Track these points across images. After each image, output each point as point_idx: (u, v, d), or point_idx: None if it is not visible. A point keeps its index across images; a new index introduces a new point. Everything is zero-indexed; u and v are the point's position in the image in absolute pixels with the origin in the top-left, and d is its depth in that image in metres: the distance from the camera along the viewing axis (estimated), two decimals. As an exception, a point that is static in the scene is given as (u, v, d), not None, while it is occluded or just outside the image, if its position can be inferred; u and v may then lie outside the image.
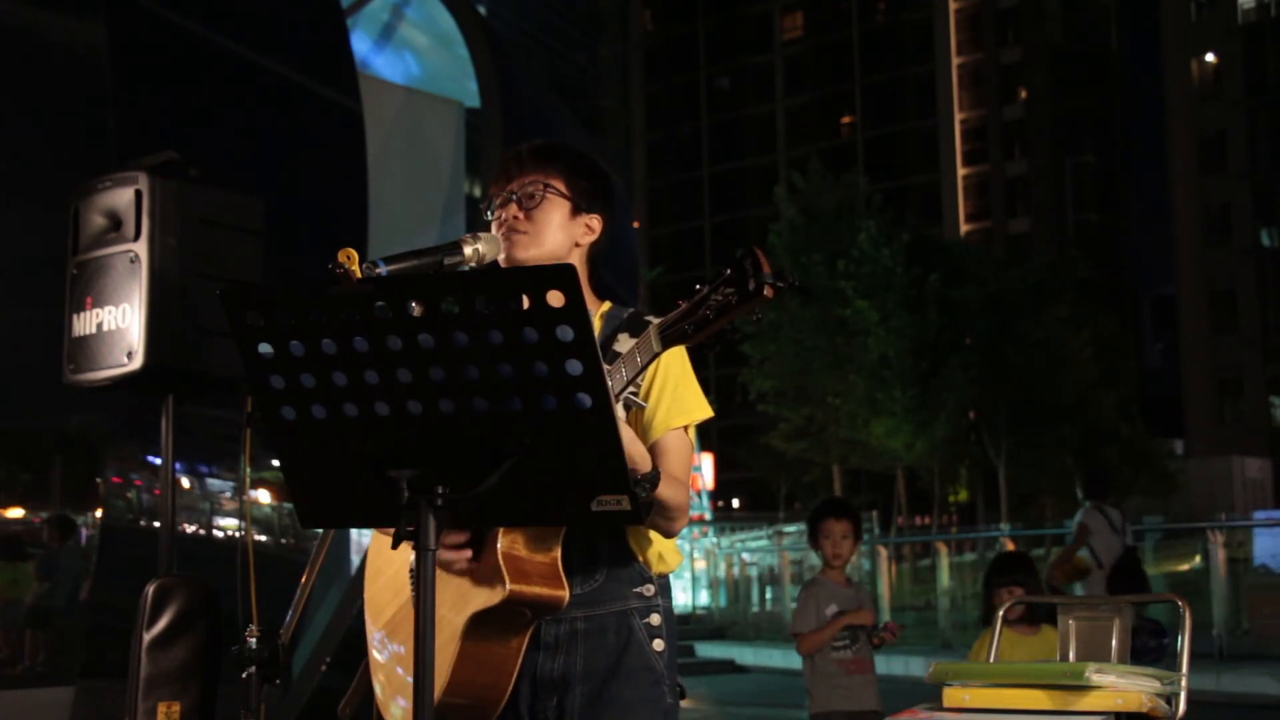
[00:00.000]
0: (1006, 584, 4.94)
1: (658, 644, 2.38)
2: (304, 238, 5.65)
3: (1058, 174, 60.95)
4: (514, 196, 2.42)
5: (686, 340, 2.02)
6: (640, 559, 2.38)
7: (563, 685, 2.34)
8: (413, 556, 2.31)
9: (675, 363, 2.37)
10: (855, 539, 5.24)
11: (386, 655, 2.41)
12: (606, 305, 2.46)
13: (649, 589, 2.39)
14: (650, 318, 2.23)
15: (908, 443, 34.80)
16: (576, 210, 2.44)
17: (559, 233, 2.42)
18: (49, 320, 3.88)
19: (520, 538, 2.18)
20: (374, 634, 2.46)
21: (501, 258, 2.38)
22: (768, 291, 1.92)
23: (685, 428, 2.38)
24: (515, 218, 2.40)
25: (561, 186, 2.43)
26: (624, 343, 2.20)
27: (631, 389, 2.15)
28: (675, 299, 2.04)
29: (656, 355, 2.08)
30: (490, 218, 2.44)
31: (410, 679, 2.27)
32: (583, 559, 2.33)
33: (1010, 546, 15.14)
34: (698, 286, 2.00)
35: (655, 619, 2.39)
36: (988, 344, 35.57)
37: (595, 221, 2.48)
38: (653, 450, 2.32)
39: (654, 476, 2.16)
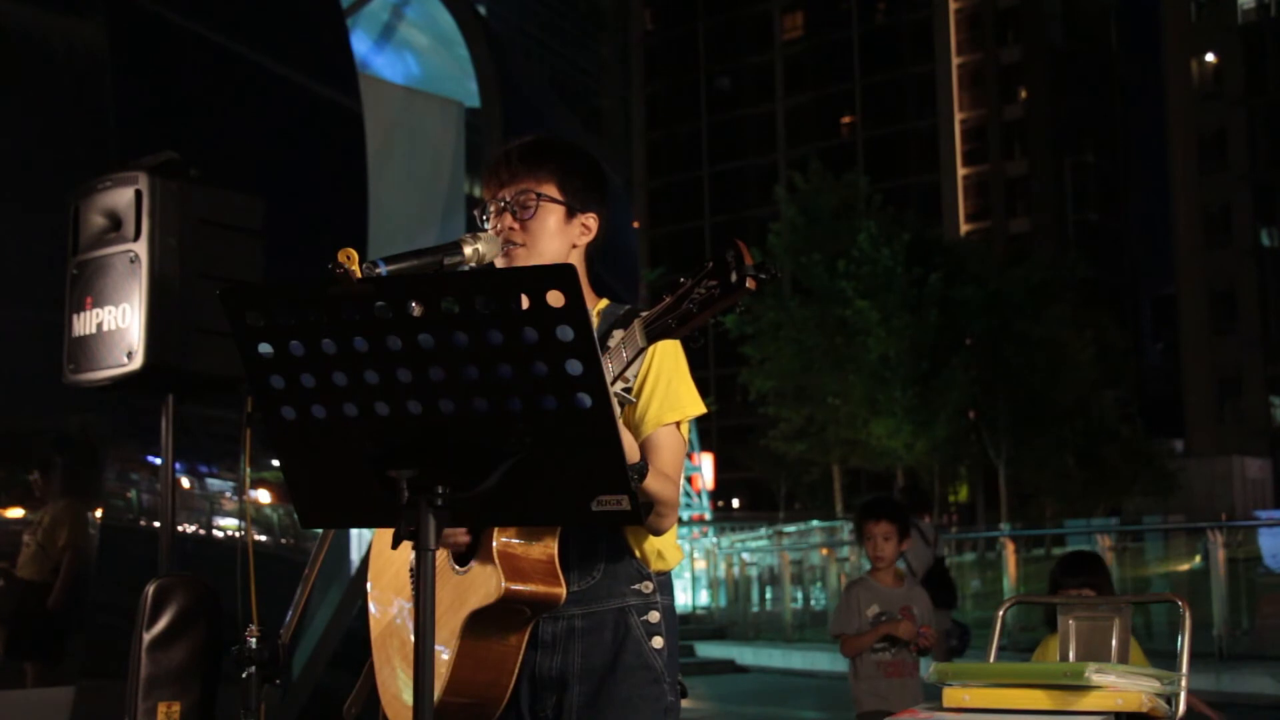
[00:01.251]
0: (1077, 585, 4.34)
1: (657, 641, 2.37)
2: (304, 238, 5.65)
3: (1058, 174, 60.96)
4: (506, 205, 2.40)
5: (670, 334, 2.02)
6: (638, 556, 2.38)
7: (561, 683, 2.34)
8: (413, 556, 2.32)
9: (668, 358, 2.36)
10: (899, 538, 5.15)
11: (389, 653, 2.41)
12: (604, 302, 2.46)
13: (647, 586, 2.38)
14: (646, 311, 2.23)
15: (908, 443, 34.79)
16: (571, 213, 2.43)
17: (556, 239, 2.41)
18: (49, 320, 3.88)
19: (516, 536, 2.18)
20: (377, 634, 2.46)
21: (500, 264, 2.38)
22: (749, 284, 1.92)
23: (678, 424, 2.37)
24: (511, 229, 2.39)
25: (554, 191, 2.41)
26: (617, 338, 2.20)
27: (622, 384, 2.15)
28: (660, 293, 2.04)
29: (642, 350, 2.07)
30: (485, 226, 2.42)
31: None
32: (580, 556, 2.32)
33: (1010, 546, 15.11)
34: (681, 280, 2.00)
35: (654, 616, 2.38)
36: (988, 344, 35.57)
37: (591, 220, 2.46)
38: (645, 446, 2.31)
39: (641, 468, 2.15)
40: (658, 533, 2.35)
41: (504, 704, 2.26)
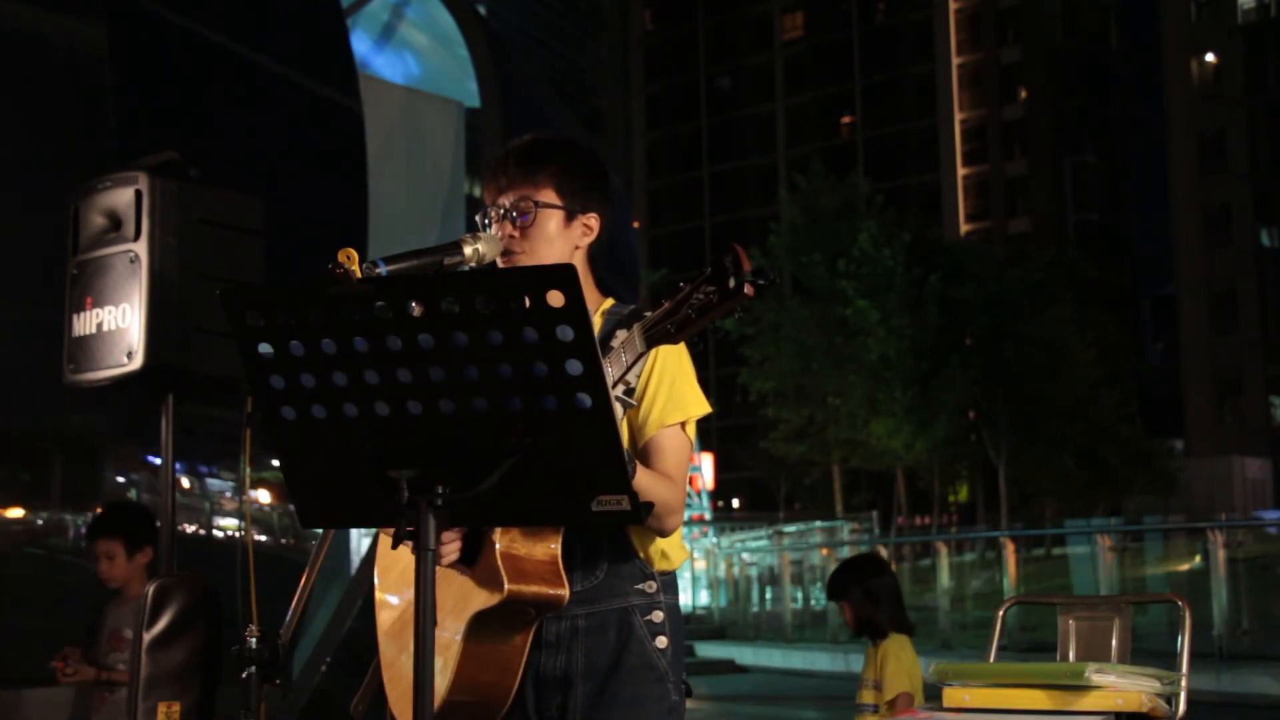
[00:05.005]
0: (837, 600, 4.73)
1: (660, 641, 2.36)
2: (304, 238, 5.64)
3: (1058, 174, 60.93)
4: (505, 213, 2.39)
5: (670, 339, 2.02)
6: (642, 555, 2.37)
7: (565, 683, 2.34)
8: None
9: (671, 359, 2.35)
10: (130, 555, 4.32)
11: (394, 653, 2.41)
12: (609, 302, 2.45)
13: (651, 585, 2.38)
14: (649, 313, 2.23)
15: (908, 443, 34.79)
16: (571, 216, 2.42)
17: (556, 244, 2.40)
18: (49, 320, 3.88)
19: (519, 536, 2.18)
20: (383, 632, 2.46)
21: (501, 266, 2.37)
22: (748, 289, 1.92)
23: (683, 425, 2.35)
24: (510, 237, 2.38)
25: (552, 196, 2.39)
26: (620, 340, 2.20)
27: (623, 387, 2.15)
28: (660, 298, 2.04)
29: (642, 355, 2.07)
30: (486, 228, 2.40)
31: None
32: (583, 556, 2.32)
33: (1010, 546, 15.13)
34: (680, 284, 2.00)
35: (658, 616, 2.37)
36: (988, 344, 35.56)
37: (593, 220, 2.45)
38: (648, 448, 2.31)
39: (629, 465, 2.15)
40: (662, 534, 2.35)
41: (508, 703, 2.26)
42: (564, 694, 2.34)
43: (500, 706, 2.26)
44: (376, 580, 2.50)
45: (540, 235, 2.39)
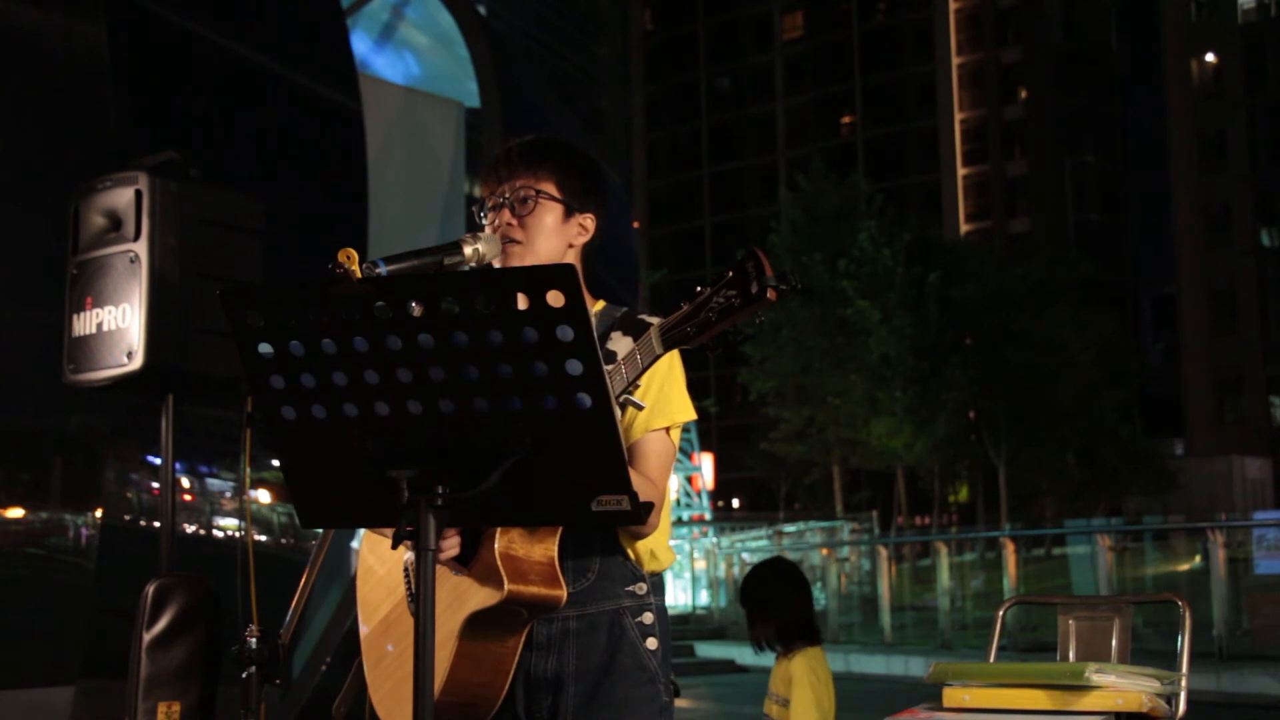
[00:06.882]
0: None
1: (651, 642, 2.37)
2: (304, 238, 5.64)
3: (1058, 174, 60.94)
4: (505, 201, 2.40)
5: (688, 342, 2.02)
6: (632, 557, 2.38)
7: (556, 685, 2.34)
8: (407, 556, 2.32)
9: (662, 363, 2.34)
10: None
11: (380, 654, 2.41)
12: (601, 304, 2.45)
13: (641, 587, 2.39)
14: (644, 317, 2.23)
15: (908, 443, 34.81)
16: (569, 212, 2.43)
17: (553, 238, 2.41)
18: (49, 320, 3.88)
19: (517, 537, 2.18)
20: (367, 633, 2.46)
21: (497, 264, 2.38)
22: (771, 295, 1.92)
23: (667, 429, 2.36)
24: (509, 225, 2.39)
25: (553, 189, 2.41)
26: (616, 341, 2.19)
27: (634, 390, 2.15)
28: (677, 300, 2.04)
29: (658, 357, 2.07)
30: (483, 221, 2.42)
31: (404, 677, 2.28)
32: (575, 558, 2.32)
33: (1010, 546, 15.13)
34: (699, 288, 1.99)
35: (648, 617, 2.38)
36: (988, 343, 35.58)
37: (589, 221, 2.46)
38: (632, 451, 2.31)
39: None
40: (639, 536, 2.36)
41: (498, 705, 2.26)
42: (555, 695, 2.34)
43: (490, 708, 2.26)
44: (360, 582, 2.50)
45: (538, 226, 2.39)
